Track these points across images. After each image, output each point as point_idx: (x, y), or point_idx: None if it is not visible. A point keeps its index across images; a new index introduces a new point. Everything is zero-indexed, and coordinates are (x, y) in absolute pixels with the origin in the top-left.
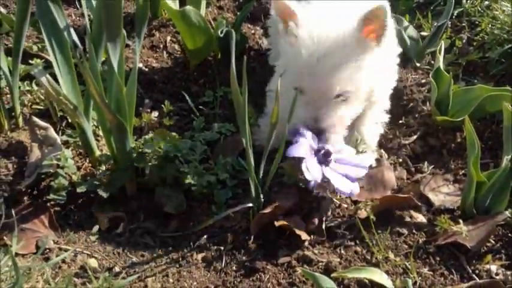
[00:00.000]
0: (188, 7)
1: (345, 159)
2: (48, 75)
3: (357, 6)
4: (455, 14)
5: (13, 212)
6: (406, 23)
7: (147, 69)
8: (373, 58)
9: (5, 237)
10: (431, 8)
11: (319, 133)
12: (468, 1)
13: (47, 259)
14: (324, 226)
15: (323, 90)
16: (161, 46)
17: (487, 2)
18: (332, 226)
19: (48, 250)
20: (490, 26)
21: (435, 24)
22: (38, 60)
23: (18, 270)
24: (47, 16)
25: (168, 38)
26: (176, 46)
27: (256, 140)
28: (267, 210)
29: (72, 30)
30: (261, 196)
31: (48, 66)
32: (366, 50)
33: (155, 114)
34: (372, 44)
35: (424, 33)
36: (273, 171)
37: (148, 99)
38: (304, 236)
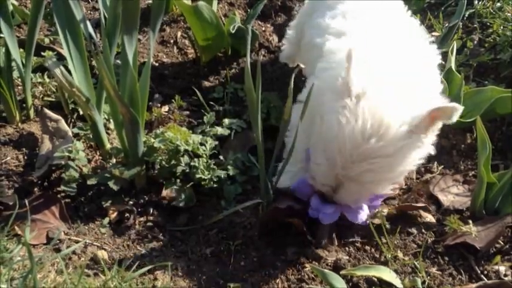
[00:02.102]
0: (201, 2)
1: None
2: (62, 67)
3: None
4: (466, 15)
5: (26, 202)
6: (418, 22)
7: (157, 64)
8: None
9: (16, 227)
10: (443, 8)
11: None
12: (480, 2)
13: (57, 250)
14: (334, 235)
15: (356, 180)
16: (172, 41)
17: (499, 4)
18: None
19: (58, 241)
20: (501, 27)
21: (447, 25)
22: (50, 53)
23: (33, 260)
24: (62, 8)
25: (179, 34)
26: (187, 42)
27: None
28: (281, 205)
29: (88, 23)
30: (271, 192)
31: (59, 58)
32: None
33: (165, 108)
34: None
35: (435, 34)
36: (281, 170)
37: (158, 93)
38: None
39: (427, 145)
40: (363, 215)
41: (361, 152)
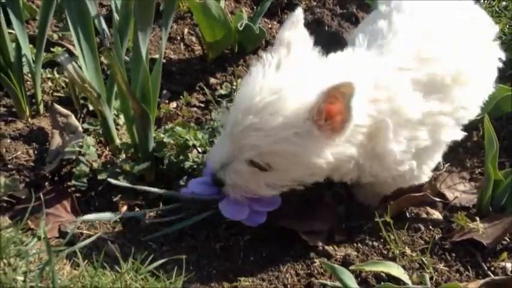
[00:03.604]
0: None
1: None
2: (74, 63)
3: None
4: None
5: (41, 196)
6: None
7: (164, 61)
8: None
9: (29, 221)
10: None
11: (218, 184)
12: (485, 1)
13: (69, 243)
14: (343, 226)
15: (237, 144)
16: (178, 38)
17: (504, 3)
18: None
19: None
20: (507, 26)
21: None
22: (59, 48)
23: (51, 252)
24: (74, 5)
25: (186, 30)
26: (193, 38)
27: None
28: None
29: (102, 19)
30: None
31: (68, 54)
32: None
33: (173, 105)
34: (326, 132)
35: None
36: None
37: (166, 90)
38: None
39: (345, 145)
40: (242, 214)
41: (250, 119)
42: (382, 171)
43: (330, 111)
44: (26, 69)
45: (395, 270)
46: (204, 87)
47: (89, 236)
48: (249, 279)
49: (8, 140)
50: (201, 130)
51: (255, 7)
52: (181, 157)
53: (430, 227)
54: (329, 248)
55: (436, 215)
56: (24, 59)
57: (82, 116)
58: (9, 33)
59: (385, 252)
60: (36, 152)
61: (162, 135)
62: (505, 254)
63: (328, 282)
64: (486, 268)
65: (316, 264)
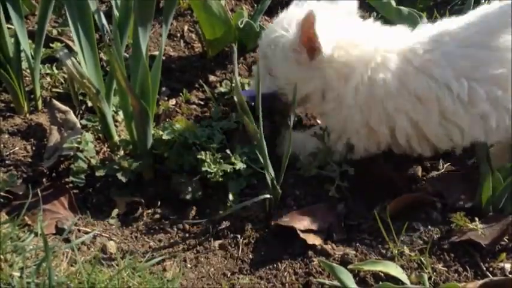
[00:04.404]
0: None
1: None
2: (73, 58)
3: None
4: None
5: (39, 192)
6: (425, 20)
7: (164, 58)
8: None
9: (26, 217)
10: (450, 6)
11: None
12: (486, 1)
13: (66, 240)
14: (343, 225)
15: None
16: (178, 35)
17: None
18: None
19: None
20: None
21: None
22: (59, 44)
23: (49, 249)
24: (74, 0)
25: (186, 27)
26: (193, 35)
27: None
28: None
29: (102, 15)
30: (278, 188)
31: (67, 50)
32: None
33: (172, 102)
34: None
35: None
36: (284, 161)
37: (165, 87)
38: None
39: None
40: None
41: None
42: None
43: (309, 41)
44: (24, 65)
45: (393, 269)
46: (204, 85)
47: (86, 233)
48: (247, 277)
49: (6, 136)
50: (200, 127)
51: (255, 5)
52: (180, 154)
53: (429, 227)
54: (327, 247)
55: (435, 215)
56: (23, 55)
57: (80, 112)
58: (8, 28)
59: (384, 251)
60: (34, 147)
61: (160, 133)
62: (503, 255)
63: (327, 281)
64: (485, 269)
65: (314, 263)
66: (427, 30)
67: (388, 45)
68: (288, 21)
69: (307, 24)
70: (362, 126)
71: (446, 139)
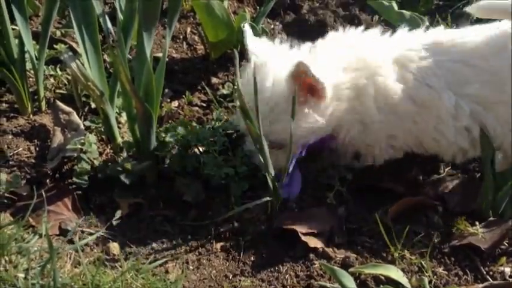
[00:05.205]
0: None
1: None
2: (77, 60)
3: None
4: (475, 18)
5: (43, 193)
6: (427, 23)
7: (166, 60)
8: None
9: (30, 218)
10: (451, 10)
11: None
12: None
13: (69, 241)
14: (344, 228)
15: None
16: (181, 37)
17: None
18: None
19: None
20: None
21: (455, 27)
22: (63, 46)
23: (53, 251)
24: (79, 2)
25: (188, 29)
26: (196, 37)
27: None
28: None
29: (107, 17)
30: (279, 190)
31: (71, 51)
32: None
33: (175, 104)
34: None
35: None
36: (286, 163)
37: (168, 89)
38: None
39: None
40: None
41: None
42: None
43: (308, 85)
44: (28, 66)
45: (394, 273)
46: (206, 87)
47: (90, 234)
48: (249, 279)
49: (10, 137)
50: (202, 129)
51: (258, 7)
52: (183, 156)
53: (430, 230)
54: (329, 250)
55: (436, 218)
56: (27, 56)
57: (84, 113)
58: (13, 29)
59: (385, 255)
60: (37, 148)
61: (163, 135)
62: (503, 259)
63: (328, 284)
64: (485, 272)
65: (315, 266)
66: (420, 38)
67: (382, 55)
68: (273, 79)
69: (302, 72)
70: (386, 137)
71: (435, 144)
